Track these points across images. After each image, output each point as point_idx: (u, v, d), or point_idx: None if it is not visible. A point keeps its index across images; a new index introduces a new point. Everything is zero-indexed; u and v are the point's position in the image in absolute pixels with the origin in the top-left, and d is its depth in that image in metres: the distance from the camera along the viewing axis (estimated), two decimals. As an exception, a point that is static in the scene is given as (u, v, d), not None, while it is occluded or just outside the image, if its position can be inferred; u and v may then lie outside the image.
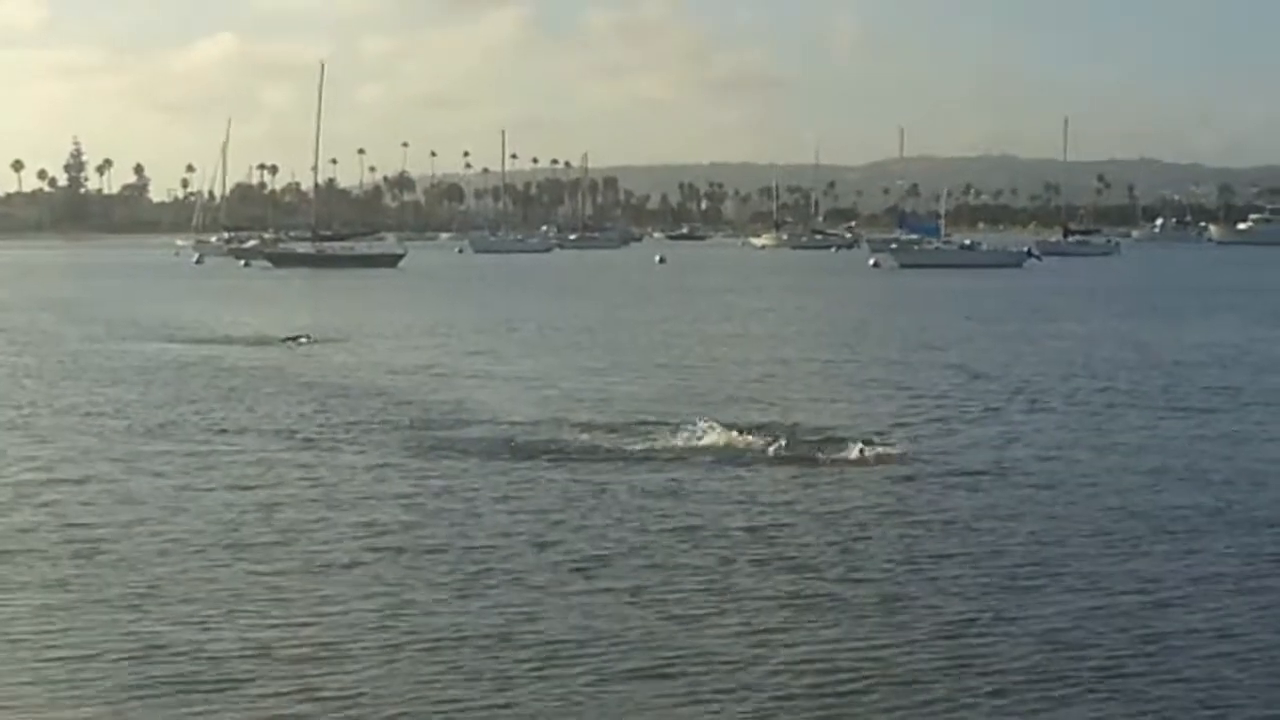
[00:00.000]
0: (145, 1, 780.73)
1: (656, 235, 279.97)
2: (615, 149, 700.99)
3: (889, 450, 21.00)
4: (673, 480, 19.17)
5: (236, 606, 13.04)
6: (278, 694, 10.75)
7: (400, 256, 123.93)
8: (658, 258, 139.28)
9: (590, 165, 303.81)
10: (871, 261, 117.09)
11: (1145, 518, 16.96)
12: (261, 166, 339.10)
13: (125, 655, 11.61)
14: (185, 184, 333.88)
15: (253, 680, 11.01)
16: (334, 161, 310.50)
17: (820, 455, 20.86)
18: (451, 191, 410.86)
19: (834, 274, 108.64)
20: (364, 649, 11.78)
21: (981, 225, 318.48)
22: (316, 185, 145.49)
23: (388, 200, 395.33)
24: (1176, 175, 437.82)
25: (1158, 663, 11.57)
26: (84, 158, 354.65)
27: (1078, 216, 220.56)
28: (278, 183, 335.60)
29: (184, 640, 11.98)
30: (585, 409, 26.43)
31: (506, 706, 10.59)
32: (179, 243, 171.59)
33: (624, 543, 15.62)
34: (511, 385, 31.17)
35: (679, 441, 21.74)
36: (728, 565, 14.67)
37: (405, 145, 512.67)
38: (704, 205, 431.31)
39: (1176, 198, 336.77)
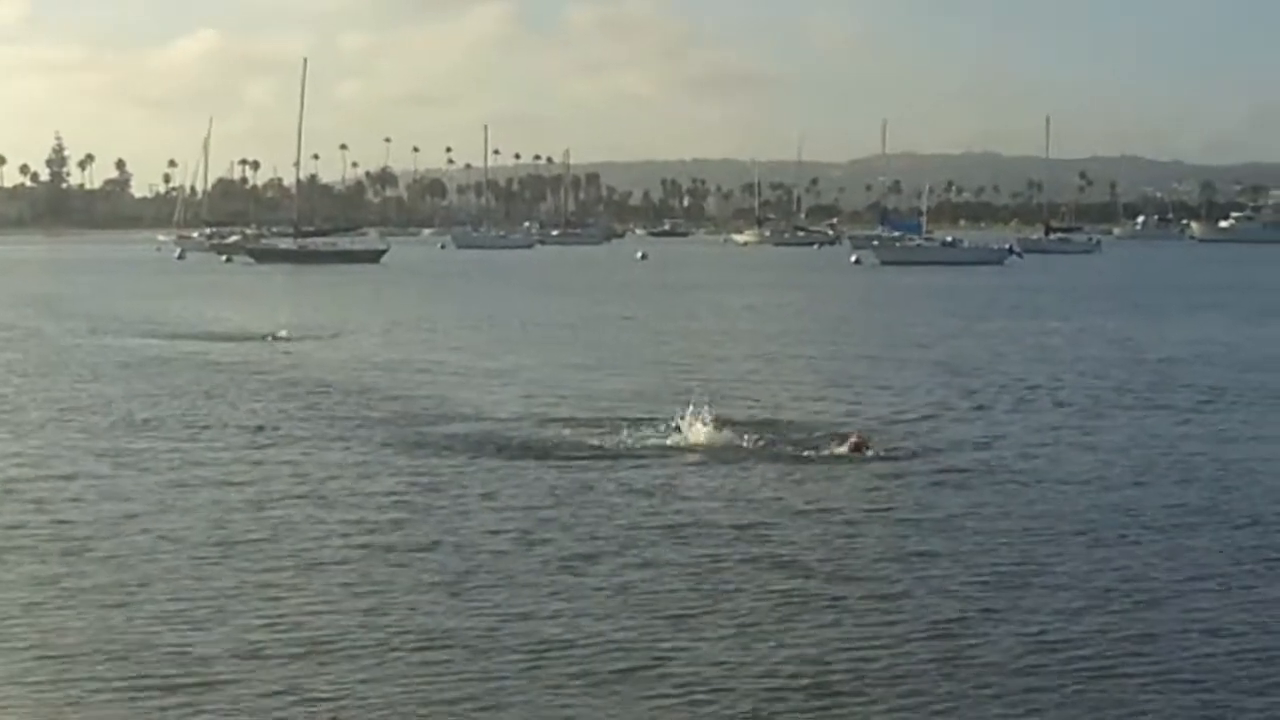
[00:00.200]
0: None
1: (638, 232, 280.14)
2: (598, 145, 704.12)
3: (876, 447, 20.98)
4: (660, 477, 19.17)
5: (224, 605, 12.99)
6: (265, 694, 10.69)
7: (383, 252, 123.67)
8: (639, 254, 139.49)
9: (572, 161, 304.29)
10: (853, 258, 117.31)
11: (1133, 515, 16.98)
12: (243, 162, 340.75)
13: (113, 654, 11.55)
14: (167, 179, 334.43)
15: (240, 680, 10.95)
16: (316, 157, 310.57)
17: (807, 452, 20.87)
18: (434, 187, 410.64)
19: (815, 271, 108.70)
20: (352, 648, 11.73)
21: (963, 222, 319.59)
22: (299, 180, 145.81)
23: (370, 196, 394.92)
24: (1159, 173, 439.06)
25: (1147, 660, 11.56)
26: (66, 153, 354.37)
27: (1059, 214, 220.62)
28: (260, 178, 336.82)
29: (171, 639, 11.93)
30: (570, 406, 26.40)
31: (495, 706, 10.55)
32: (161, 238, 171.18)
33: (613, 540, 15.59)
34: (496, 381, 31.12)
35: (665, 439, 21.71)
36: (716, 563, 14.64)
37: (388, 141, 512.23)
38: (686, 202, 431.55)
39: (1158, 195, 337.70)
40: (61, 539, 15.59)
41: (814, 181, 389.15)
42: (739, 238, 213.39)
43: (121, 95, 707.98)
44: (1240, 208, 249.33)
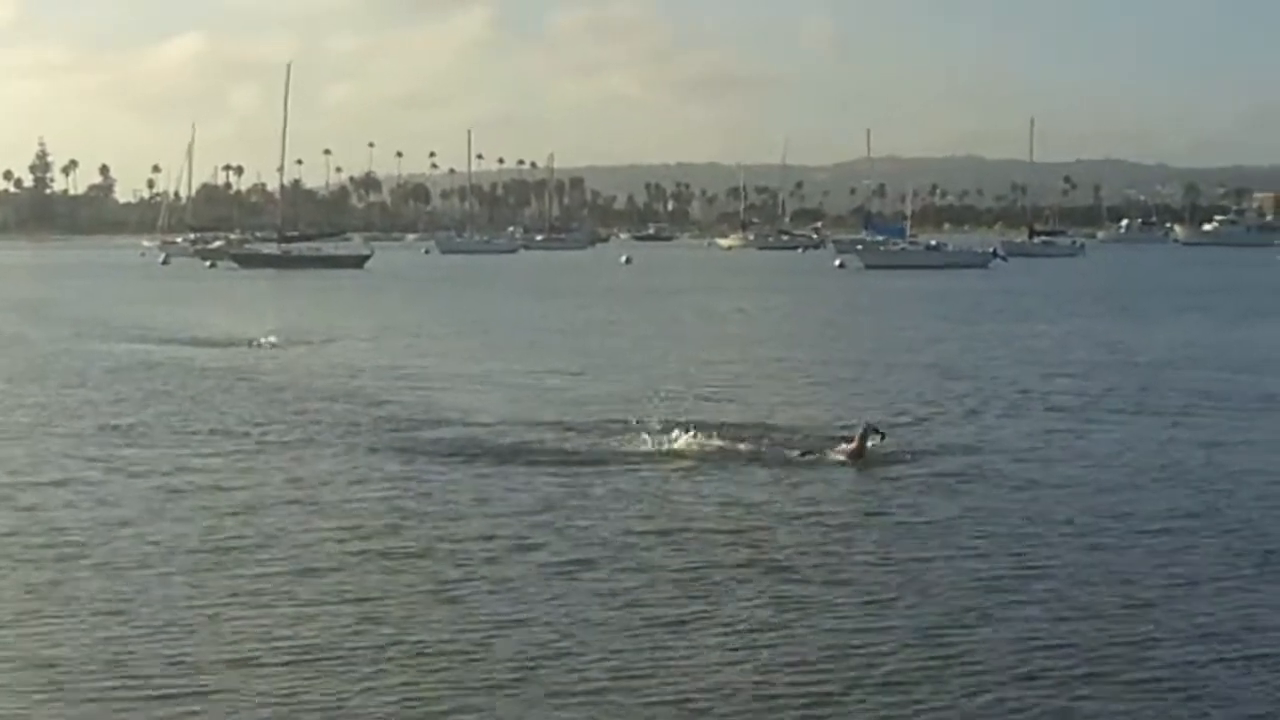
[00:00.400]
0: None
1: (623, 236, 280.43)
2: (582, 149, 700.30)
3: (866, 451, 20.94)
4: (651, 482, 19.14)
5: (218, 612, 12.93)
6: (258, 702, 10.64)
7: (366, 257, 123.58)
8: (624, 258, 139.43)
9: (557, 165, 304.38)
10: (837, 262, 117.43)
11: (1124, 518, 16.98)
12: (227, 167, 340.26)
13: (104, 663, 11.51)
14: (151, 185, 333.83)
15: (233, 689, 10.90)
16: (300, 162, 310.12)
17: (798, 457, 20.83)
18: (418, 192, 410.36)
19: (800, 274, 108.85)
20: (345, 655, 11.69)
21: (947, 226, 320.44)
22: (282, 186, 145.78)
23: (354, 201, 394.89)
24: (1144, 176, 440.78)
25: (1139, 663, 11.56)
26: (50, 158, 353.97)
27: (1043, 217, 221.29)
28: (244, 183, 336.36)
29: (164, 647, 11.89)
30: (558, 410, 26.33)
31: (489, 713, 10.51)
32: (145, 243, 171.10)
33: (606, 545, 15.56)
34: (483, 387, 31.06)
35: (655, 443, 21.64)
36: (709, 567, 14.62)
37: (371, 146, 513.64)
38: (671, 206, 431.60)
39: (1142, 198, 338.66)
40: (54, 545, 15.52)
41: (798, 185, 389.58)
42: (723, 242, 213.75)
43: (108, 99, 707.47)
44: (1224, 211, 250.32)
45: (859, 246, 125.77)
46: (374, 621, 12.64)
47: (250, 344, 41.54)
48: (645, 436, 22.04)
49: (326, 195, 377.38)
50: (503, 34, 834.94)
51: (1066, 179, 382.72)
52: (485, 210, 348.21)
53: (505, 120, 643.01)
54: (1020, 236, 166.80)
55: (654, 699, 10.75)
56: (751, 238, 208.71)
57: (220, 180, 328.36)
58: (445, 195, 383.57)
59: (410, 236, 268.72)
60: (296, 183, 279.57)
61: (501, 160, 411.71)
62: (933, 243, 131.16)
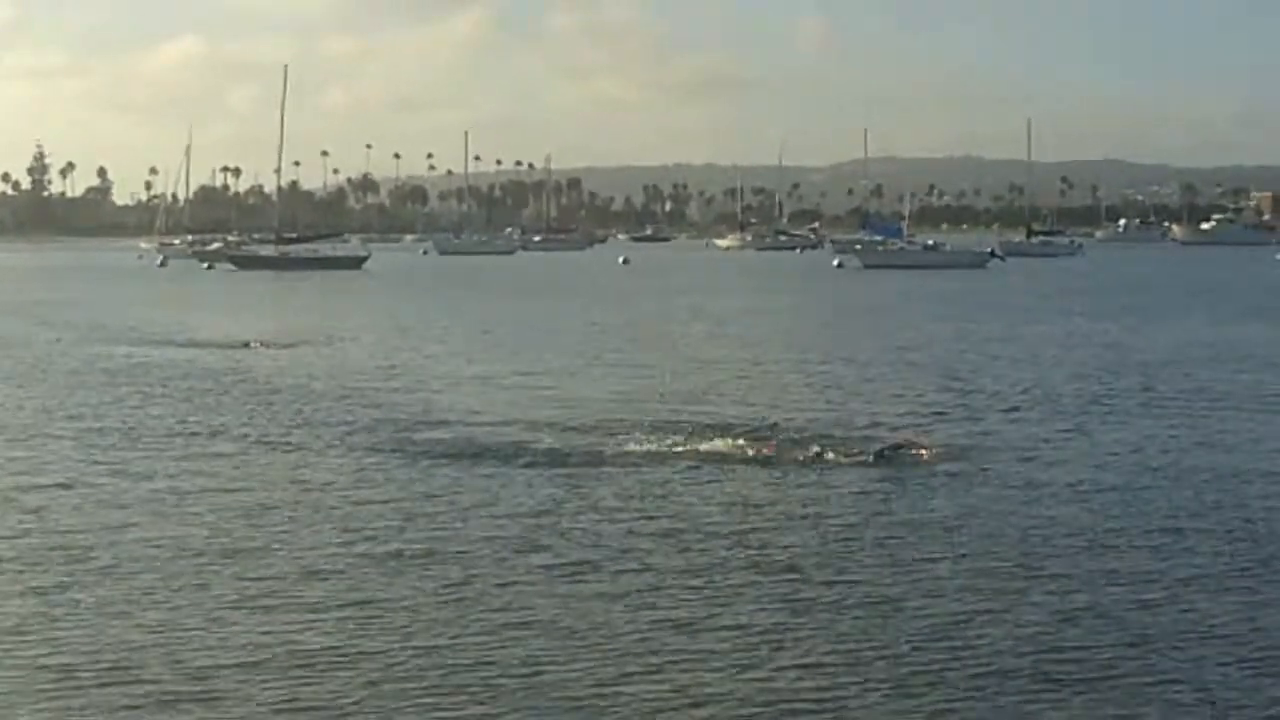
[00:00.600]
0: (112, 1, 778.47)
1: (620, 237, 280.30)
2: (579, 151, 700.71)
3: (871, 451, 20.94)
4: (653, 482, 19.10)
5: (223, 615, 12.92)
6: (265, 706, 10.64)
7: (364, 259, 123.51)
8: (621, 259, 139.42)
9: (554, 167, 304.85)
10: (835, 262, 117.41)
11: (1129, 517, 16.98)
12: (225, 169, 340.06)
13: (111, 666, 11.50)
14: (149, 187, 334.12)
15: (239, 692, 10.89)
16: (297, 164, 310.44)
17: (802, 456, 20.81)
18: (415, 193, 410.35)
19: (798, 275, 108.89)
20: (350, 657, 11.68)
21: (945, 226, 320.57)
22: (280, 187, 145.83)
23: (351, 202, 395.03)
24: (1141, 175, 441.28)
25: (1145, 663, 11.57)
26: (47, 160, 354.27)
27: (1041, 217, 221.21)
28: (241, 185, 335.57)
29: (171, 650, 11.88)
30: (560, 411, 26.30)
31: (496, 715, 10.50)
32: (143, 245, 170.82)
33: (611, 546, 15.54)
34: (483, 387, 31.04)
35: (659, 444, 21.62)
36: (715, 568, 14.62)
37: (369, 147, 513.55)
38: (668, 207, 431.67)
39: (1140, 198, 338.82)
40: (61, 548, 15.51)
41: (796, 186, 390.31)
42: (721, 242, 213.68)
43: (105, 101, 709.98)
44: (1222, 209, 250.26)
45: (857, 247, 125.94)
46: (378, 624, 12.63)
47: (249, 345, 41.54)
48: (646, 436, 22.03)
49: (324, 197, 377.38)
50: (499, 36, 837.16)
51: (1064, 179, 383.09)
52: (483, 211, 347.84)
53: (502, 122, 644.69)
54: (1018, 236, 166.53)
55: (660, 702, 10.74)
56: (749, 238, 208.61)
57: (218, 182, 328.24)
58: (443, 196, 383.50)
59: (408, 238, 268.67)
60: (294, 184, 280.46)
61: (499, 162, 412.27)
62: (930, 243, 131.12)
